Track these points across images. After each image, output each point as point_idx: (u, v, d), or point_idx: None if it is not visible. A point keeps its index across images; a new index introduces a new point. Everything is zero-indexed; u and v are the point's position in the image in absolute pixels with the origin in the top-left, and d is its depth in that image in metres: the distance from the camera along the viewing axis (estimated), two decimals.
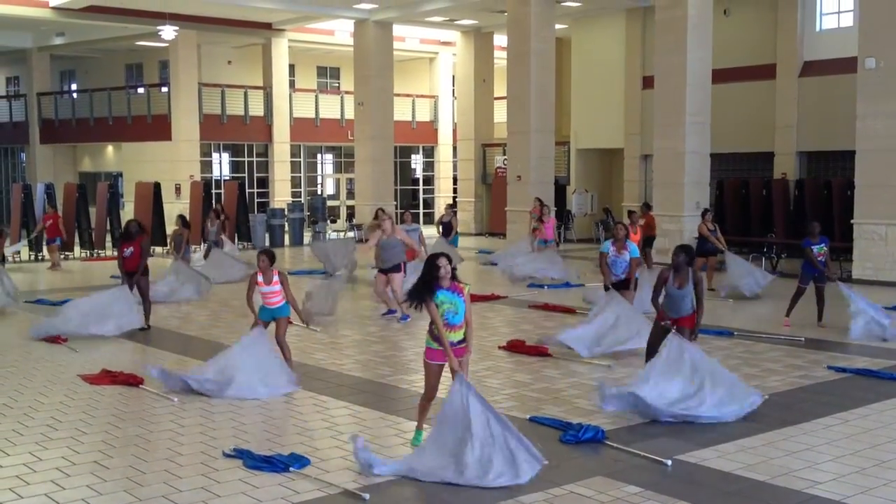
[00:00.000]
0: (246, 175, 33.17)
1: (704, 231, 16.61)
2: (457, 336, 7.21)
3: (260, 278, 9.96)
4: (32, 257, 23.71)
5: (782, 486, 6.56)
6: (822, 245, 12.86)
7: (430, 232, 26.73)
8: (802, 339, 11.85)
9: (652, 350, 9.17)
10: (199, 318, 14.42)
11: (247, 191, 30.58)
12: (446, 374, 7.39)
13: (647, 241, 19.31)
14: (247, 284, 10.24)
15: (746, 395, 8.37)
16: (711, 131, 20.96)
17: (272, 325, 10.09)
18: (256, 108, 32.66)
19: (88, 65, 37.39)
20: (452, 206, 23.60)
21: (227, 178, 32.53)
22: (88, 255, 24.51)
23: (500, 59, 30.88)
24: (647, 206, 19.71)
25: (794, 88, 23.55)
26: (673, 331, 8.77)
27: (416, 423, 7.67)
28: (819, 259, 12.77)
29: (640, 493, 6.43)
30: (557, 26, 26.58)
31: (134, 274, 12.87)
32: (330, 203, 32.91)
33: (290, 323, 10.52)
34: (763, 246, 20.94)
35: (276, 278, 9.95)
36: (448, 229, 19.69)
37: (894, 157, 17.43)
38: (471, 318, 7.28)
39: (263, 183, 33.83)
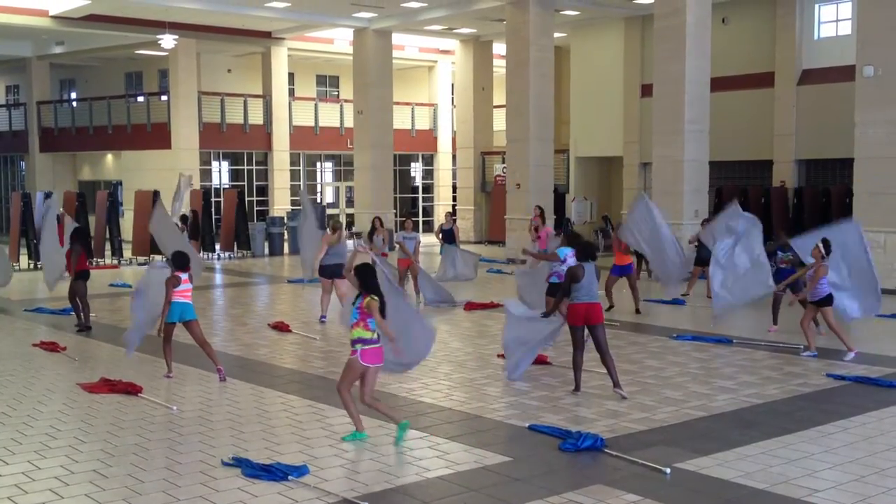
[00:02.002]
0: (245, 183, 33.17)
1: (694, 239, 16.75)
2: (351, 335, 7.79)
3: (185, 276, 10.48)
4: (31, 265, 23.71)
5: (781, 494, 6.56)
6: (788, 254, 13.17)
7: (429, 240, 26.75)
8: (801, 346, 11.85)
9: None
10: None
11: (246, 199, 30.60)
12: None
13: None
14: (170, 284, 10.46)
15: None
16: (710, 139, 20.98)
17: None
18: (256, 117, 32.69)
19: (88, 73, 37.45)
20: (452, 215, 23.61)
21: (227, 186, 32.55)
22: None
23: (499, 67, 30.93)
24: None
25: (793, 96, 23.62)
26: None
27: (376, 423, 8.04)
28: (782, 266, 13.11)
29: (639, 502, 6.43)
30: (556, 35, 26.63)
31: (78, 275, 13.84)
32: (329, 211, 32.92)
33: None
34: None
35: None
36: (450, 237, 19.78)
37: (893, 164, 17.45)
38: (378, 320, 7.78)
39: (263, 191, 33.84)
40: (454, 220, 21.25)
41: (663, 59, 20.84)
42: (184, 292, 10.41)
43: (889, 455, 7.48)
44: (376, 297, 7.68)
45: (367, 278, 7.74)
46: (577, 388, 9.63)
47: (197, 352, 11.34)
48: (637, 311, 15.28)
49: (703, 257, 16.58)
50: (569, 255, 11.82)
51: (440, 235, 20.01)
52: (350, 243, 16.35)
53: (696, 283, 17.02)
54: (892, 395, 9.49)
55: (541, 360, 11.10)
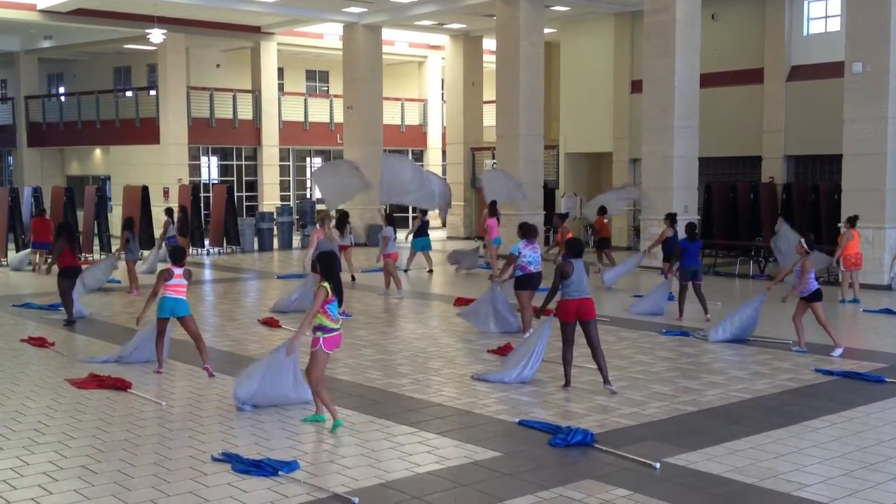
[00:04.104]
0: (234, 179, 33.11)
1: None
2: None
3: (179, 271, 10.39)
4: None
5: (770, 489, 6.58)
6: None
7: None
8: (791, 341, 11.89)
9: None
10: None
11: (235, 194, 30.52)
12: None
13: (602, 243, 19.94)
14: (160, 277, 10.41)
15: None
16: (699, 135, 21.03)
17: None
18: (245, 112, 32.61)
19: (76, 68, 37.27)
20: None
21: (216, 181, 32.46)
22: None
23: (489, 62, 30.92)
24: (602, 210, 20.13)
25: (782, 93, 23.67)
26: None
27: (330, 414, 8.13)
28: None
29: (628, 497, 6.44)
30: (546, 30, 26.62)
31: (63, 271, 13.69)
32: (319, 207, 32.85)
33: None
34: (751, 249, 21.02)
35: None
36: (423, 229, 20.87)
37: (881, 161, 17.52)
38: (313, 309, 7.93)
39: (252, 186, 33.77)
40: (424, 213, 21.59)
41: (653, 55, 20.88)
42: (176, 287, 10.35)
43: (877, 450, 7.52)
44: (326, 284, 7.88)
45: (324, 265, 8.01)
46: (567, 384, 9.66)
47: (187, 347, 11.32)
48: None
49: (671, 254, 16.69)
50: (521, 248, 12.36)
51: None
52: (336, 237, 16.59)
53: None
54: (879, 390, 9.54)
55: None
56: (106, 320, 14.34)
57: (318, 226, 15.79)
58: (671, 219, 16.73)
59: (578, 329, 9.63)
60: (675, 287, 14.57)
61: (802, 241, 11.60)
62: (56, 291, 14.41)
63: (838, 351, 11.31)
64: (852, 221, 16.14)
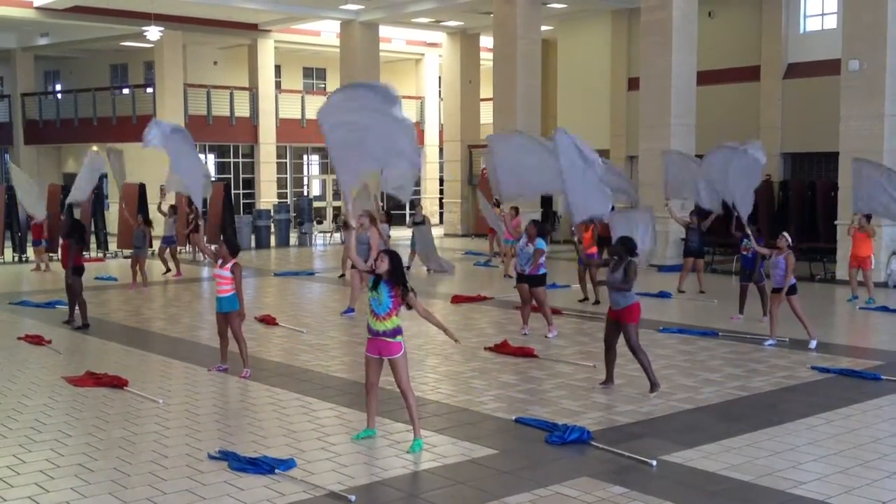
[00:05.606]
0: (232, 176, 33.08)
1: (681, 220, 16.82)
2: (379, 326, 7.45)
3: (219, 261, 10.36)
4: (16, 258, 23.59)
5: (766, 486, 6.59)
6: (749, 241, 13.31)
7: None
8: (787, 339, 11.90)
9: (609, 344, 9.44)
10: (184, 318, 14.38)
11: (233, 192, 30.51)
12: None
13: (601, 242, 19.85)
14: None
15: None
16: (696, 133, 21.05)
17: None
18: (242, 109, 32.58)
19: (73, 65, 37.22)
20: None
21: (214, 179, 32.40)
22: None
23: (487, 60, 30.90)
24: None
25: (779, 90, 23.69)
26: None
27: (373, 423, 7.92)
28: (744, 254, 13.74)
29: (625, 494, 6.45)
30: (543, 28, 26.62)
31: (76, 269, 13.24)
32: (316, 204, 32.86)
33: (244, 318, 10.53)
34: None
35: (228, 265, 10.29)
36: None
37: (877, 158, 17.48)
38: (423, 310, 7.67)
39: (249, 184, 33.75)
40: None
41: (650, 52, 20.90)
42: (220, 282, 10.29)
43: (873, 447, 7.53)
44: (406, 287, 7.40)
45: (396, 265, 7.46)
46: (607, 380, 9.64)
47: (182, 345, 11.34)
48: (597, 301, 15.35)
49: (691, 249, 16.65)
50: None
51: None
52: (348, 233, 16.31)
53: (688, 276, 17.00)
54: (876, 388, 9.55)
55: (527, 354, 11.13)
56: (103, 318, 14.30)
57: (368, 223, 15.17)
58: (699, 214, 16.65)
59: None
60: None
61: (786, 235, 11.68)
62: (59, 289, 14.25)
63: (813, 343, 11.47)
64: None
